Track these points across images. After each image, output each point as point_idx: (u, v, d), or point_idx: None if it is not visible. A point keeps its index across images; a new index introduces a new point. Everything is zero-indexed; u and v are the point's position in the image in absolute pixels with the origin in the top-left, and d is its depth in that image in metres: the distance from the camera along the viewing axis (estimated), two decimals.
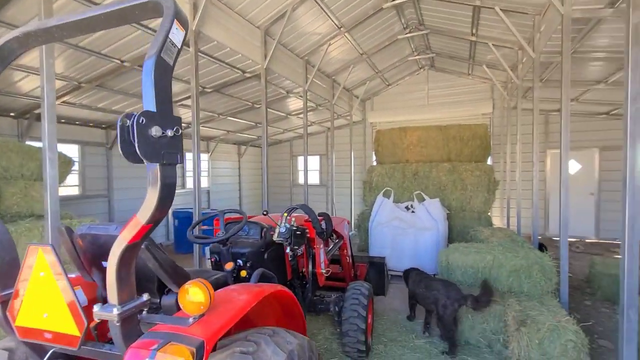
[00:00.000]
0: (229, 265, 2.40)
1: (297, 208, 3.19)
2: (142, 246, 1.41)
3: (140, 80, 5.78)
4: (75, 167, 6.41)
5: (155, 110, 1.14)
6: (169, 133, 1.19)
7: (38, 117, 6.35)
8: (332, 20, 6.30)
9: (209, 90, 6.86)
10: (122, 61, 5.03)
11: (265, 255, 2.79)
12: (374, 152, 9.58)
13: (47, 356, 1.46)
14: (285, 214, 2.89)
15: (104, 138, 7.92)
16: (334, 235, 3.97)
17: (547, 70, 6.69)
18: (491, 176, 7.08)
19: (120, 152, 1.12)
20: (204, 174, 10.81)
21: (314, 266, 3.29)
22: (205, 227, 3.05)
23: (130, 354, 1.23)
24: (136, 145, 1.08)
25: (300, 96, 8.00)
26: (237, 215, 3.18)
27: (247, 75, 6.46)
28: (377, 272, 5.16)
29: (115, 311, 1.24)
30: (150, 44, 1.21)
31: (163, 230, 9.55)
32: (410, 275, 4.28)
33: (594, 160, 9.20)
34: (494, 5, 5.47)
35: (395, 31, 7.75)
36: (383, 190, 7.32)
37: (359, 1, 6.11)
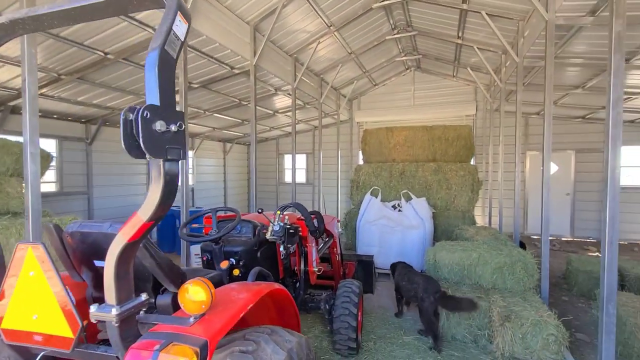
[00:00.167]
0: (224, 264, 2.36)
1: (290, 206, 3.18)
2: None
3: (124, 73, 5.67)
4: (53, 162, 6.15)
5: (159, 104, 1.11)
6: (173, 128, 1.16)
7: (13, 110, 6.05)
8: (322, 19, 6.29)
9: (196, 85, 6.72)
10: (105, 53, 4.85)
11: (258, 254, 2.76)
12: (360, 151, 9.65)
13: (38, 358, 1.39)
14: (279, 212, 2.87)
15: (83, 133, 7.62)
16: (325, 234, 3.97)
17: (528, 75, 6.92)
18: (475, 176, 7.27)
19: (123, 146, 1.08)
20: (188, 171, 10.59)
21: (306, 264, 3.28)
22: (195, 225, 2.99)
23: (131, 355, 1.19)
24: (140, 139, 1.04)
25: (289, 94, 7.96)
26: (229, 213, 3.13)
27: (236, 71, 6.36)
28: (365, 270, 5.20)
29: (114, 312, 1.20)
30: (154, 36, 1.17)
31: None
32: (396, 268, 4.47)
33: (571, 162, 9.61)
34: (480, 9, 5.61)
35: (383, 32, 7.82)
36: (371, 189, 7.38)
37: (348, 0, 6.13)
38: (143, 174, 9.15)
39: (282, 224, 2.77)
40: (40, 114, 6.71)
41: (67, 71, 5.19)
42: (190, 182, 10.95)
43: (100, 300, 1.65)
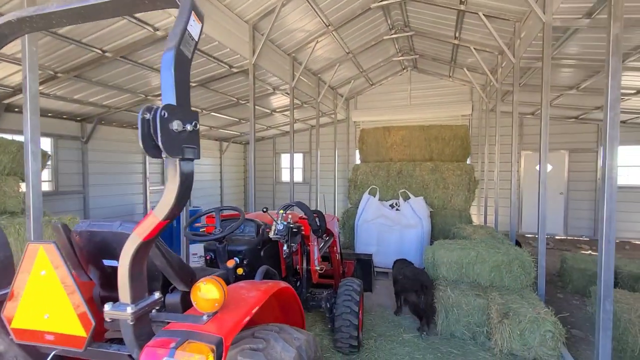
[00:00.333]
0: (230, 263, 2.37)
1: (293, 205, 3.19)
2: None
3: (122, 71, 5.63)
4: (48, 161, 6.08)
5: (175, 104, 1.12)
6: (189, 127, 1.17)
7: (8, 108, 5.97)
8: (321, 18, 6.30)
9: (194, 84, 6.69)
10: (103, 51, 4.80)
11: (262, 253, 2.77)
12: (357, 151, 9.68)
13: (49, 357, 1.39)
14: (282, 211, 2.89)
15: (78, 131, 7.54)
16: (325, 233, 3.99)
17: (524, 75, 7.01)
18: (471, 175, 7.35)
19: (141, 146, 1.09)
20: None
21: (308, 263, 3.30)
22: (198, 225, 2.99)
23: (147, 353, 1.20)
24: (159, 139, 1.05)
25: (287, 93, 7.96)
26: (231, 213, 3.14)
27: (234, 70, 6.34)
28: (364, 269, 5.23)
29: (129, 310, 1.20)
30: (169, 36, 1.18)
31: None
32: (395, 264, 4.79)
33: (564, 162, 9.75)
34: (477, 10, 5.67)
35: (381, 31, 7.85)
36: (369, 189, 7.42)
37: (347, 0, 6.15)
38: (139, 173, 9.08)
39: (285, 223, 2.78)
40: None
41: (64, 69, 5.13)
42: None
43: (107, 299, 1.65)
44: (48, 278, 1.37)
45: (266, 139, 13.30)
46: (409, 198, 6.79)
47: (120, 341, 1.59)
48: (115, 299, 1.54)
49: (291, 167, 7.51)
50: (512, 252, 4.28)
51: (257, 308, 1.51)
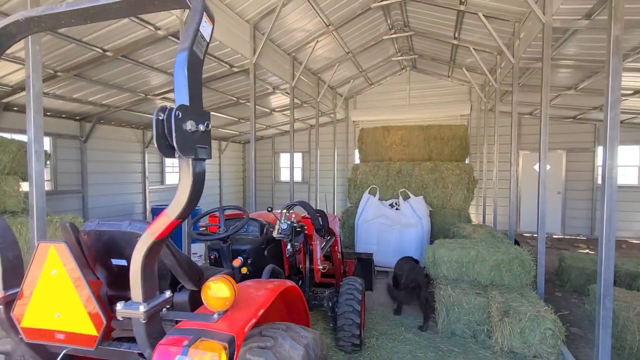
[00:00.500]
0: (236, 262, 2.38)
1: (296, 205, 3.20)
2: None
3: (122, 70, 5.62)
4: (47, 161, 6.06)
5: (188, 104, 1.13)
6: (201, 127, 1.18)
7: (7, 107, 5.94)
8: (321, 18, 6.32)
9: None
10: (104, 50, 4.79)
11: (265, 252, 2.78)
12: (357, 150, 9.70)
13: (60, 357, 1.40)
14: (285, 211, 2.90)
15: (77, 130, 7.52)
16: (327, 232, 4.01)
17: (523, 76, 7.05)
18: (470, 175, 7.39)
19: (156, 146, 1.09)
20: None
21: (311, 262, 3.32)
22: (201, 224, 3.00)
23: (159, 351, 1.21)
24: (174, 139, 1.06)
25: (287, 93, 7.97)
26: (234, 212, 3.15)
27: (235, 69, 6.35)
28: (364, 268, 5.26)
29: (142, 309, 1.21)
30: (181, 37, 1.19)
31: None
32: (399, 261, 4.91)
33: (562, 162, 9.82)
34: (477, 11, 5.70)
35: (380, 31, 7.88)
36: (369, 188, 7.45)
37: (347, 0, 6.16)
38: (138, 173, 9.06)
39: (289, 222, 2.79)
40: None
41: (63, 68, 5.12)
42: None
43: (115, 298, 1.66)
44: (59, 277, 1.38)
45: (265, 138, 13.30)
46: (409, 197, 6.82)
47: (127, 340, 1.60)
48: (122, 298, 1.55)
49: (291, 167, 7.52)
50: (511, 251, 4.31)
51: (266, 306, 1.52)
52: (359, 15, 6.68)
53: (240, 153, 13.95)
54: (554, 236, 9.72)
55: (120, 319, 1.26)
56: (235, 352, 1.24)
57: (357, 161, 10.46)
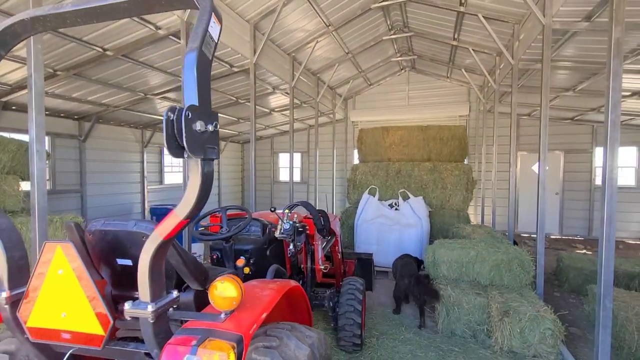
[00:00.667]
0: (240, 262, 2.38)
1: (298, 205, 3.21)
2: None
3: (122, 70, 5.60)
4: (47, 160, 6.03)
5: (198, 104, 1.13)
6: (210, 128, 1.18)
7: (5, 106, 5.91)
8: (321, 18, 6.32)
9: None
10: (104, 49, 4.78)
11: (268, 252, 2.79)
12: (355, 151, 9.72)
13: (66, 357, 1.40)
14: (287, 211, 2.90)
15: (76, 130, 7.49)
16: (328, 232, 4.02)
17: (522, 77, 7.09)
18: (469, 175, 7.42)
19: (166, 146, 1.10)
20: (181, 170, 10.49)
21: (312, 262, 3.32)
22: (204, 224, 2.99)
23: (168, 351, 1.21)
24: (184, 139, 1.06)
25: (286, 93, 7.97)
26: (234, 212, 3.15)
27: (235, 69, 6.34)
28: (364, 268, 5.26)
29: (150, 308, 1.22)
30: (190, 37, 1.19)
31: None
32: (395, 260, 5.04)
33: (560, 162, 9.88)
34: (477, 12, 5.73)
35: (380, 32, 7.90)
36: (368, 189, 7.46)
37: (347, 1, 6.18)
38: (137, 172, 9.03)
39: (291, 222, 2.80)
40: None
41: (63, 67, 5.10)
42: (182, 181, 10.88)
43: (119, 298, 1.66)
44: (65, 277, 1.38)
45: (264, 138, 13.30)
46: (409, 198, 6.84)
47: (131, 340, 1.60)
48: (126, 298, 1.55)
49: (291, 167, 7.52)
50: (511, 252, 4.34)
51: (272, 306, 1.53)
52: (359, 15, 6.69)
53: (239, 153, 13.94)
54: (552, 236, 9.78)
55: (128, 318, 1.26)
56: (244, 352, 1.24)
57: (356, 161, 10.48)
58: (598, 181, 9.35)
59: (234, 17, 5.23)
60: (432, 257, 4.58)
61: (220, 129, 8.80)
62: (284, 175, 13.35)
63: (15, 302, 1.44)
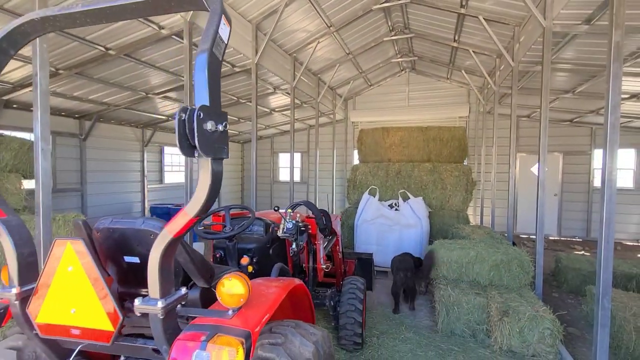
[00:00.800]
0: (244, 260, 2.41)
1: (300, 204, 3.23)
2: None
3: (124, 69, 5.62)
4: None
5: (209, 105, 1.16)
6: (220, 128, 1.21)
7: (7, 104, 5.91)
8: (323, 19, 6.35)
9: None
10: (107, 49, 4.79)
11: (270, 251, 2.81)
12: (356, 151, 9.74)
13: (76, 352, 1.42)
14: (290, 210, 2.93)
15: (77, 128, 7.49)
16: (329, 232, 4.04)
17: (522, 79, 7.13)
18: (469, 176, 7.46)
19: (178, 145, 1.12)
20: (181, 169, 10.50)
21: (314, 261, 3.35)
22: (206, 223, 3.01)
23: (177, 346, 1.23)
24: (196, 139, 1.09)
25: (287, 93, 7.99)
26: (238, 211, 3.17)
27: (237, 69, 6.36)
28: (364, 268, 5.29)
29: (160, 304, 1.24)
30: (200, 38, 1.21)
31: None
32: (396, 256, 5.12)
33: (558, 164, 9.93)
34: (477, 14, 5.76)
35: (381, 33, 7.93)
36: (369, 189, 7.49)
37: (349, 1, 6.20)
38: (137, 171, 9.04)
39: (294, 221, 2.82)
40: (31, 108, 6.58)
41: (65, 66, 5.11)
42: (183, 180, 10.88)
43: (125, 295, 1.68)
44: (75, 274, 1.40)
45: (264, 138, 13.32)
46: (408, 198, 6.87)
47: (137, 336, 1.62)
48: (132, 295, 1.57)
49: (291, 167, 7.55)
50: (510, 252, 4.37)
51: (278, 304, 1.55)
52: (360, 16, 6.72)
53: (239, 153, 13.95)
54: (550, 237, 9.82)
55: (138, 314, 1.29)
56: (252, 348, 1.26)
57: (356, 162, 10.51)
58: (596, 183, 9.41)
59: (236, 17, 5.25)
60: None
61: None
62: (283, 175, 13.37)
63: (25, 299, 1.46)
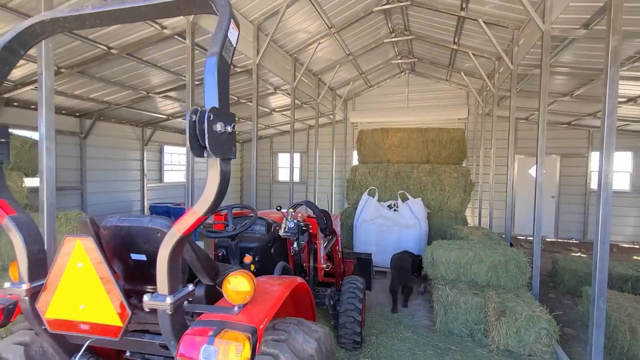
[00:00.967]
0: (248, 259, 2.44)
1: (302, 204, 3.27)
2: None
3: (125, 68, 5.64)
4: None
5: (218, 106, 1.19)
6: (229, 129, 1.24)
7: (8, 102, 5.92)
8: (324, 20, 6.39)
9: (197, 83, 6.70)
10: (109, 48, 4.81)
11: (272, 250, 2.84)
12: (355, 152, 9.78)
13: (85, 346, 1.45)
14: (291, 210, 2.96)
15: (77, 127, 7.50)
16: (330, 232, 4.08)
17: (520, 82, 7.19)
18: (467, 178, 7.52)
19: (188, 146, 1.16)
20: (181, 169, 10.51)
21: (314, 261, 3.38)
22: (209, 222, 3.04)
23: (186, 341, 1.27)
24: (206, 140, 1.12)
25: (288, 93, 8.02)
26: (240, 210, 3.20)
27: (238, 69, 6.40)
28: (363, 268, 5.33)
29: (169, 300, 1.27)
30: (210, 41, 1.25)
31: None
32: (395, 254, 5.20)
33: (556, 166, 10.01)
34: (477, 17, 5.82)
35: (381, 34, 7.98)
36: (368, 189, 7.53)
37: (350, 3, 6.25)
38: (137, 170, 9.05)
39: (295, 221, 2.86)
40: (32, 106, 6.59)
41: (67, 64, 5.13)
42: (183, 179, 10.89)
43: (131, 292, 1.72)
44: (84, 270, 1.43)
45: (264, 138, 13.34)
46: (407, 199, 6.92)
47: (143, 332, 1.65)
48: (138, 292, 1.60)
49: (291, 167, 7.58)
50: (508, 253, 4.42)
51: (282, 301, 1.59)
52: (361, 18, 6.76)
53: (239, 152, 13.96)
54: (547, 239, 9.90)
55: (147, 310, 1.32)
56: (257, 343, 1.30)
57: (355, 162, 10.56)
58: (593, 185, 9.49)
59: (238, 18, 5.28)
60: (430, 258, 4.65)
61: None
62: (283, 175, 13.40)
63: (34, 294, 1.49)
